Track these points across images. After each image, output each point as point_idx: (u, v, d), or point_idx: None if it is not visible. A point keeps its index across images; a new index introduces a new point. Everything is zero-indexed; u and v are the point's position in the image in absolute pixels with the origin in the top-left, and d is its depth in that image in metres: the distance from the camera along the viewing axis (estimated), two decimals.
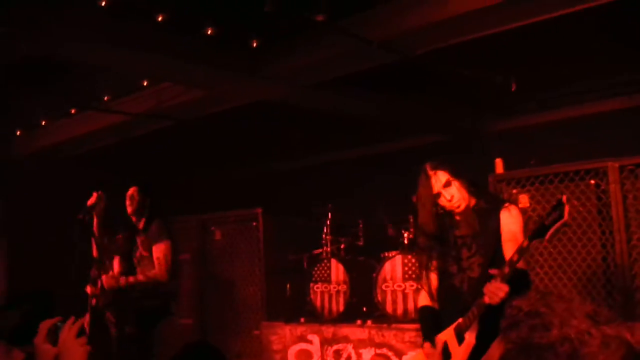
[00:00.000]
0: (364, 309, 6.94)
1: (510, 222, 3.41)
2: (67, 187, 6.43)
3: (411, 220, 6.64)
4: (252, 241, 7.75)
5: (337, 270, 7.05)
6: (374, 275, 6.70)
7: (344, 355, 6.54)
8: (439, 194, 3.50)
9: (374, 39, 6.22)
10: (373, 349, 6.33)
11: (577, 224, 5.41)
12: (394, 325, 6.30)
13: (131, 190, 6.05)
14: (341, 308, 6.94)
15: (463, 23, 5.90)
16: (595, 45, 6.86)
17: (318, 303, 7.12)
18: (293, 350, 6.94)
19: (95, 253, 5.98)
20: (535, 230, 3.05)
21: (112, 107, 8.36)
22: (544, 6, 5.65)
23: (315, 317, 7.10)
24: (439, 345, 3.47)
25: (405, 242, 6.79)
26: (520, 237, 3.27)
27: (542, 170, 5.66)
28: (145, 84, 7.92)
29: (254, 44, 6.64)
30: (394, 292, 6.56)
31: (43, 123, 9.13)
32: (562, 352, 1.21)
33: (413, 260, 6.34)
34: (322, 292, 7.11)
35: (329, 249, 7.40)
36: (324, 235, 7.48)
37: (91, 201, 5.79)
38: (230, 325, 7.89)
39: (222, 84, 7.57)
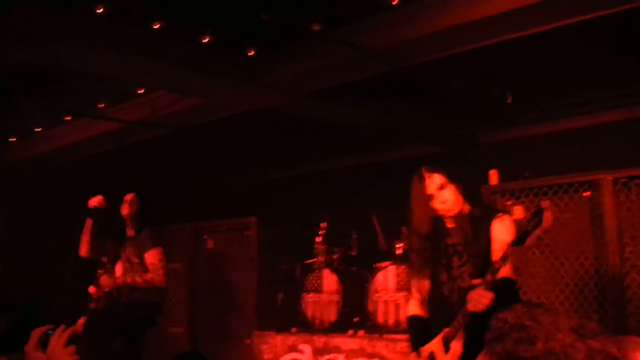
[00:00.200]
0: (356, 319, 6.92)
1: (503, 232, 3.38)
2: (62, 193, 6.43)
3: (404, 231, 6.62)
4: (245, 250, 7.71)
5: (329, 280, 7.04)
6: (367, 285, 6.69)
7: None
8: (432, 196, 3.48)
9: (371, 49, 6.24)
10: (364, 359, 6.30)
11: (571, 235, 5.41)
12: (385, 336, 6.28)
13: (129, 196, 6.06)
14: (333, 318, 6.92)
15: (460, 34, 5.92)
16: (591, 57, 6.88)
17: (310, 313, 7.09)
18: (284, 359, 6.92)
19: (82, 252, 5.98)
20: (516, 237, 3.04)
21: (108, 114, 8.35)
22: (541, 18, 5.68)
23: (306, 326, 7.06)
24: (424, 356, 3.45)
25: (398, 252, 6.78)
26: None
27: (536, 182, 5.66)
28: (141, 91, 7.91)
29: (251, 53, 6.65)
30: (386, 302, 6.54)
31: (38, 130, 9.12)
32: None
33: (406, 271, 6.33)
34: (314, 302, 7.09)
35: (322, 259, 7.38)
36: (317, 245, 7.47)
37: (94, 203, 5.80)
38: (222, 334, 7.85)
39: (219, 92, 7.58)
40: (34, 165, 9.99)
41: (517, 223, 3.30)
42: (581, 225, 5.40)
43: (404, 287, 6.37)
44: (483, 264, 3.35)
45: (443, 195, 3.47)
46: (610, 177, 5.19)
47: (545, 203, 2.98)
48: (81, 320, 5.65)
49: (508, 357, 1.24)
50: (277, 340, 7.00)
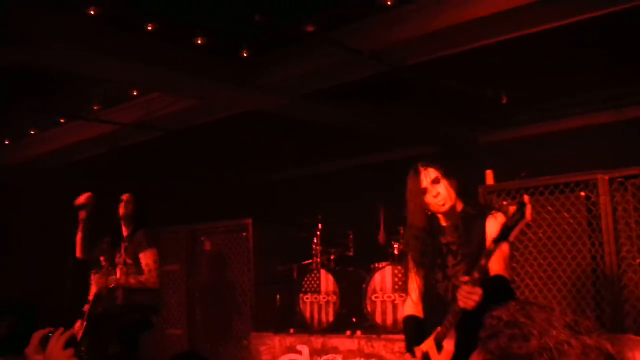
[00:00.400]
0: (354, 319, 6.92)
1: (497, 230, 3.38)
2: (57, 196, 6.41)
3: (402, 231, 6.62)
4: (241, 251, 7.71)
5: (326, 280, 7.04)
6: (364, 285, 6.69)
7: None
8: (425, 190, 3.47)
9: (365, 50, 6.23)
10: (362, 359, 6.30)
11: (567, 235, 5.41)
12: (383, 336, 6.27)
13: (126, 196, 6.06)
14: (330, 318, 6.92)
15: (455, 34, 5.92)
16: (587, 58, 6.89)
17: (307, 313, 7.10)
18: None
19: (78, 253, 5.99)
20: (499, 232, 3.03)
21: (102, 116, 8.34)
22: (536, 19, 5.68)
23: (304, 327, 7.07)
24: (418, 356, 3.44)
25: (395, 252, 6.78)
26: (505, 246, 3.23)
27: (532, 182, 5.66)
28: (135, 93, 7.90)
29: (245, 54, 6.64)
30: (383, 302, 6.54)
31: (33, 132, 9.11)
32: None
33: (403, 272, 6.33)
34: (311, 303, 7.09)
35: (318, 260, 7.39)
36: (313, 246, 7.47)
37: (81, 200, 5.80)
38: (220, 335, 7.85)
39: (213, 94, 7.56)
40: (28, 167, 9.97)
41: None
42: (577, 225, 5.40)
43: (402, 287, 6.37)
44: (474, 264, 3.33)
45: (435, 189, 3.45)
46: (606, 177, 5.19)
47: (526, 197, 2.97)
48: (77, 324, 5.64)
49: (502, 354, 1.24)
50: (275, 341, 6.99)
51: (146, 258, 5.82)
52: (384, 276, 6.61)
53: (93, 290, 5.92)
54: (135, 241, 5.91)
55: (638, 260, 5.13)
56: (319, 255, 7.41)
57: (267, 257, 7.78)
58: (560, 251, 5.43)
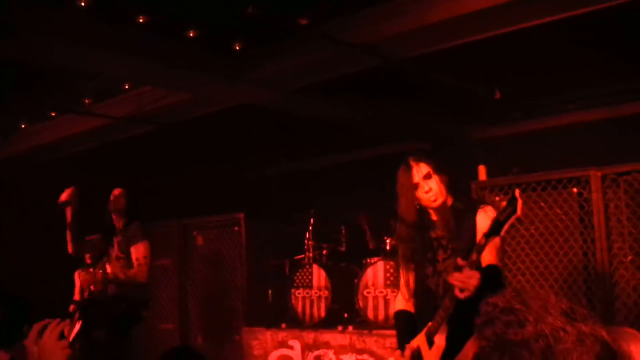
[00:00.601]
0: (345, 314, 6.93)
1: (487, 223, 3.38)
2: (48, 190, 6.39)
3: (393, 225, 6.62)
4: (234, 246, 7.70)
5: (318, 276, 7.03)
6: (356, 281, 6.69)
7: None
8: (417, 185, 3.46)
9: (358, 44, 6.21)
10: (354, 354, 6.30)
11: (559, 232, 5.42)
12: (375, 331, 6.27)
13: (117, 191, 6.05)
14: (322, 314, 6.92)
15: (448, 29, 5.90)
16: (580, 55, 6.89)
17: (299, 308, 7.09)
18: (274, 355, 6.90)
19: (70, 249, 5.97)
20: (490, 227, 3.02)
21: (94, 110, 8.30)
22: (530, 14, 5.66)
23: (296, 322, 7.07)
24: (407, 353, 3.43)
25: (387, 248, 6.78)
26: (497, 239, 3.23)
27: (524, 178, 5.67)
28: (126, 87, 7.86)
29: (237, 47, 6.61)
30: (375, 298, 6.54)
31: (23, 126, 9.05)
32: (537, 349, 1.19)
33: (394, 267, 6.33)
34: (303, 298, 7.08)
35: (311, 255, 7.39)
36: (306, 241, 7.46)
37: (64, 197, 5.76)
38: (212, 330, 7.84)
39: (205, 87, 7.53)
40: (19, 161, 9.91)
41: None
42: (570, 222, 5.41)
43: (393, 282, 6.37)
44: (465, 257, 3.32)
45: (427, 185, 3.45)
46: (598, 174, 5.20)
47: (517, 192, 2.96)
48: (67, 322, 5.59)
49: (498, 341, 1.23)
50: (267, 336, 6.99)
51: (137, 252, 5.79)
52: (376, 271, 6.61)
53: (77, 288, 5.89)
54: (129, 235, 5.90)
55: (629, 258, 5.15)
56: (311, 250, 7.41)
57: (260, 252, 7.78)
58: (552, 247, 5.44)
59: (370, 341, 6.23)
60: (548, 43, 6.57)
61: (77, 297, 6.13)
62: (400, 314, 3.68)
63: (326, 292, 6.93)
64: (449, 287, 3.20)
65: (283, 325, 7.02)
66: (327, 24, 6.19)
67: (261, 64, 7.01)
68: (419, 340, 3.41)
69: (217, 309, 7.82)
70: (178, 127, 8.78)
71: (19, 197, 9.59)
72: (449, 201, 3.52)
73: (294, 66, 6.91)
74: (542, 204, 5.52)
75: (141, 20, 5.90)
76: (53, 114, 8.80)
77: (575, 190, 5.39)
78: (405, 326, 3.61)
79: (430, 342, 3.35)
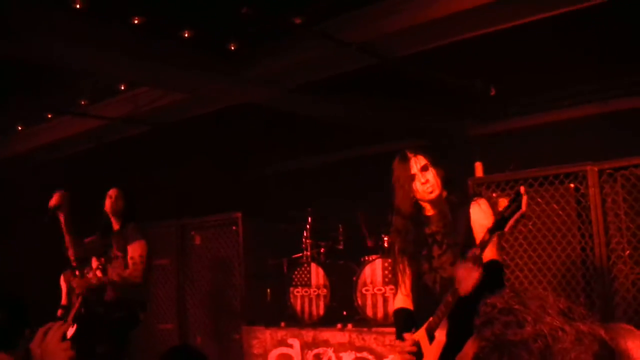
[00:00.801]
0: (344, 312, 6.93)
1: (481, 216, 3.38)
2: (44, 192, 6.37)
3: (390, 220, 6.61)
4: (232, 246, 7.69)
5: (317, 274, 7.04)
6: (354, 279, 6.70)
7: (325, 359, 6.51)
8: (414, 176, 3.47)
9: (354, 42, 6.21)
10: (353, 352, 6.31)
11: (557, 227, 5.42)
12: (374, 329, 6.28)
13: (112, 191, 6.01)
14: (321, 312, 6.92)
15: (444, 26, 5.91)
16: (576, 51, 6.90)
17: (298, 307, 7.10)
18: (273, 354, 6.91)
19: (71, 254, 5.93)
20: (494, 223, 3.03)
21: (90, 111, 8.29)
22: (524, 11, 5.67)
23: (295, 321, 7.08)
24: (408, 342, 3.43)
25: (385, 246, 6.78)
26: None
27: (521, 174, 5.67)
28: (122, 88, 7.85)
29: (233, 47, 6.60)
30: (374, 295, 6.55)
31: (20, 128, 9.04)
32: (535, 349, 1.20)
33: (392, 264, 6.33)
34: (302, 296, 7.09)
35: (309, 253, 7.40)
36: (304, 239, 7.47)
37: (53, 202, 5.67)
38: (211, 329, 7.84)
39: (201, 87, 7.52)
40: (15, 163, 9.90)
41: (495, 210, 3.29)
42: (567, 217, 5.41)
43: (392, 280, 6.38)
44: (463, 250, 3.33)
45: (425, 176, 3.45)
46: (595, 169, 5.21)
47: (522, 188, 2.97)
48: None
49: (497, 341, 1.24)
50: (266, 334, 6.99)
51: (133, 251, 5.74)
52: (374, 269, 6.62)
53: (64, 292, 5.84)
54: (125, 235, 5.87)
55: (627, 252, 5.15)
56: (309, 248, 7.42)
57: (258, 251, 7.77)
58: (550, 243, 5.44)
59: (369, 339, 6.24)
60: (543, 40, 6.58)
61: (64, 301, 6.11)
62: (400, 311, 3.69)
63: (325, 290, 6.94)
64: (449, 283, 3.21)
65: (282, 324, 7.03)
66: (323, 23, 6.19)
67: (258, 62, 7.01)
68: (420, 335, 3.42)
69: (216, 309, 7.82)
70: (174, 127, 8.77)
71: (15, 199, 9.56)
72: (444, 195, 3.53)
73: (291, 65, 6.91)
74: (539, 199, 5.52)
75: (137, 21, 5.90)
76: (49, 116, 8.78)
77: (572, 185, 5.40)
78: (405, 323, 3.62)
79: (431, 337, 3.36)
